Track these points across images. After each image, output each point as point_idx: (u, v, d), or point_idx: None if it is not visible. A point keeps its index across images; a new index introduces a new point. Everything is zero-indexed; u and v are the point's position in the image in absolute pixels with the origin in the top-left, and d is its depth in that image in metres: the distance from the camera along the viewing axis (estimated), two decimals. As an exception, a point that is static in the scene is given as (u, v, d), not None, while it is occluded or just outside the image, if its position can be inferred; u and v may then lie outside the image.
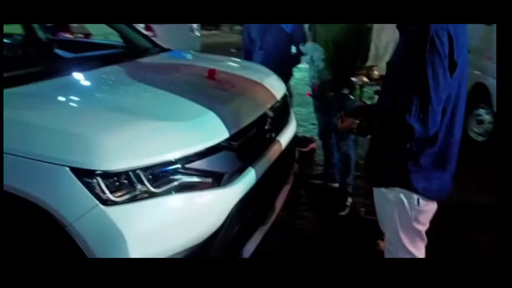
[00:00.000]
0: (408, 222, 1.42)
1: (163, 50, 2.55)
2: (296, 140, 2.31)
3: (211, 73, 1.88)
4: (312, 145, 3.81)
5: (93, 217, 1.20)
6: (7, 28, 2.78)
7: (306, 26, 2.75)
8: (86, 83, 1.74)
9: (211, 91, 1.75)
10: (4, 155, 1.21)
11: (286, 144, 2.02)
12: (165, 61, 2.25)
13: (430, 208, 1.42)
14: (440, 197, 1.42)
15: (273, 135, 1.88)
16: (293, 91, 3.58)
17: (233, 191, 1.49)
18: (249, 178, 1.59)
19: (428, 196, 1.38)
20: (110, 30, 2.64)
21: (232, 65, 2.22)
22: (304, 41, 2.68)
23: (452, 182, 1.44)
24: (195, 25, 7.93)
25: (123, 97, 1.64)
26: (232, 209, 1.48)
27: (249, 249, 1.66)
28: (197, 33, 8.01)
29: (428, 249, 1.48)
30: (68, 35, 4.30)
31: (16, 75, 1.73)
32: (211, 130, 1.47)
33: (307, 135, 3.99)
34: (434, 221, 1.47)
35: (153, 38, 6.72)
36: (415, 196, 1.37)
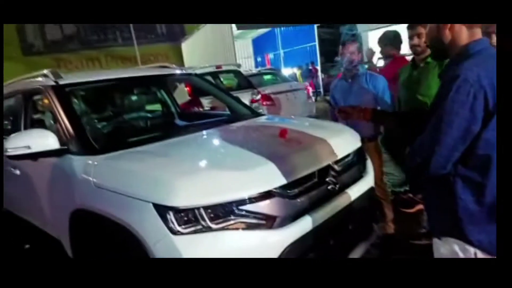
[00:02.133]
0: None
1: (257, 115, 2.98)
2: (372, 196, 2.32)
3: (283, 132, 2.16)
4: (419, 207, 3.56)
5: (165, 243, 1.55)
6: (154, 106, 3.70)
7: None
8: (183, 142, 2.24)
9: (277, 147, 2.01)
10: (111, 193, 1.72)
11: (355, 198, 2.08)
12: (251, 124, 2.66)
13: None
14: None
15: (337, 187, 1.99)
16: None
17: (284, 234, 1.66)
18: (303, 225, 1.73)
19: (487, 251, 1.27)
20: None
21: (308, 125, 2.47)
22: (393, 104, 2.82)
23: None
24: (311, 93, 8.54)
25: (204, 152, 2.06)
26: (284, 251, 1.64)
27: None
28: (313, 99, 8.58)
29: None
30: (198, 108, 5.30)
31: (142, 138, 2.39)
32: (267, 178, 1.71)
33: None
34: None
35: (272, 107, 7.52)
36: (472, 250, 1.29)
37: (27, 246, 3.47)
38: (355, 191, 2.10)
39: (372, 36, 22.62)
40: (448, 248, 1.35)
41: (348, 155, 2.17)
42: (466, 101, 1.18)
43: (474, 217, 1.27)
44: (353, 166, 2.21)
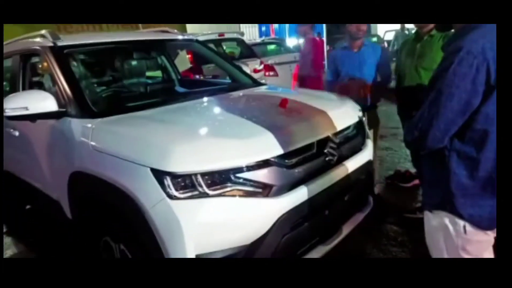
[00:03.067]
0: (455, 251, 1.34)
1: (259, 84, 2.94)
2: (370, 169, 2.33)
3: (283, 102, 2.14)
4: (416, 182, 3.60)
5: (162, 207, 1.57)
6: (155, 73, 3.66)
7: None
8: (182, 109, 2.22)
9: (277, 116, 2.00)
10: (109, 156, 1.72)
11: (353, 170, 2.09)
12: (252, 93, 2.63)
13: (481, 238, 1.31)
14: (493, 227, 1.30)
15: (335, 159, 1.99)
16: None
17: (280, 202, 1.68)
18: (299, 194, 1.75)
19: (477, 225, 1.29)
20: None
21: (309, 96, 2.43)
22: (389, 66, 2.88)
23: None
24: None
25: (202, 119, 2.05)
26: (278, 219, 1.66)
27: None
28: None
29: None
30: (198, 76, 5.24)
31: (140, 104, 2.37)
32: (264, 147, 1.71)
33: (412, 170, 3.80)
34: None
35: (275, 77, 7.42)
36: (461, 223, 1.30)
37: (28, 207, 3.54)
38: (353, 164, 2.10)
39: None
40: (439, 221, 1.37)
41: (347, 128, 2.16)
42: (468, 73, 1.15)
43: (467, 191, 1.28)
44: (352, 139, 2.20)
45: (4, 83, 3.48)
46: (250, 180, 1.65)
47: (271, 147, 1.72)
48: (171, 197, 1.57)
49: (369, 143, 2.39)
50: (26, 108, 2.05)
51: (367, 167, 2.27)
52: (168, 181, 1.57)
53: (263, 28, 20.90)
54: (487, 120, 1.19)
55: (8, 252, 2.98)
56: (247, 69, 3.30)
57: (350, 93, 1.79)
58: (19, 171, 2.95)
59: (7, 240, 3.19)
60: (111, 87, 2.82)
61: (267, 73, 7.22)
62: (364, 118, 2.43)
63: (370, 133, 2.46)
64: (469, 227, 1.30)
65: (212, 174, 1.60)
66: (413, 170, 3.74)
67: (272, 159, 1.70)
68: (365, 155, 2.26)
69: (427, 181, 1.45)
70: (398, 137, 4.77)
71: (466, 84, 1.16)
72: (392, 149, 4.60)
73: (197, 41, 3.38)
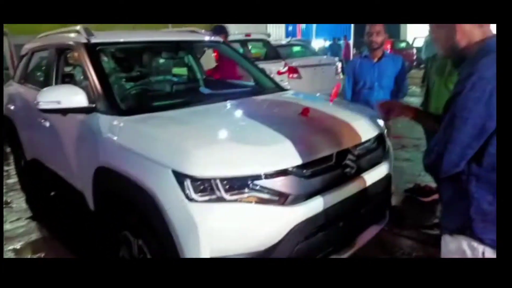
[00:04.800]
0: None
1: (282, 90, 2.97)
2: (388, 183, 2.31)
3: (305, 111, 2.15)
4: (435, 196, 3.54)
5: (180, 208, 1.62)
6: (179, 70, 3.75)
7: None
8: (206, 111, 2.27)
9: (298, 126, 2.02)
10: (134, 154, 1.79)
11: (372, 183, 2.08)
12: (274, 98, 2.65)
13: None
14: None
15: (354, 171, 1.99)
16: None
17: (296, 212, 1.70)
18: (315, 205, 1.77)
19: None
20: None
21: (332, 105, 2.44)
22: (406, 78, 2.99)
23: None
24: (340, 69, 8.33)
25: (224, 123, 2.09)
26: (293, 228, 1.69)
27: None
28: (341, 76, 8.37)
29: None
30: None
31: (166, 103, 2.44)
32: (283, 156, 1.73)
33: (432, 185, 3.74)
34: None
35: (298, 80, 7.40)
36: (480, 248, 1.29)
37: (52, 193, 3.70)
38: (372, 177, 2.10)
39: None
40: (457, 245, 1.35)
41: (368, 140, 2.16)
42: (481, 98, 1.15)
43: (487, 217, 1.26)
44: (372, 152, 2.19)
45: (38, 73, 3.65)
46: (267, 188, 1.68)
47: (290, 157, 1.74)
48: (190, 199, 1.62)
49: (390, 156, 2.38)
50: (59, 102, 2.15)
51: (386, 180, 2.26)
52: (188, 183, 1.62)
53: (290, 28, 20.84)
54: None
55: (33, 236, 3.13)
56: (272, 71, 3.32)
57: (392, 112, 1.69)
58: (46, 159, 3.09)
59: (32, 224, 3.34)
60: (139, 85, 2.90)
61: (290, 75, 7.22)
62: (385, 131, 2.42)
63: (391, 150, 2.44)
64: (488, 253, 1.29)
65: (230, 179, 1.64)
66: (433, 184, 3.68)
67: (290, 169, 1.72)
68: (384, 169, 2.25)
69: (446, 205, 1.44)
70: (420, 148, 4.69)
71: (479, 109, 1.16)
72: (413, 160, 4.53)
73: (223, 43, 3.43)
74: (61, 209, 3.51)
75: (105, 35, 2.77)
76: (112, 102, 2.21)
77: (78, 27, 2.65)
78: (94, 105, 2.21)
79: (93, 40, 2.54)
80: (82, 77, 2.95)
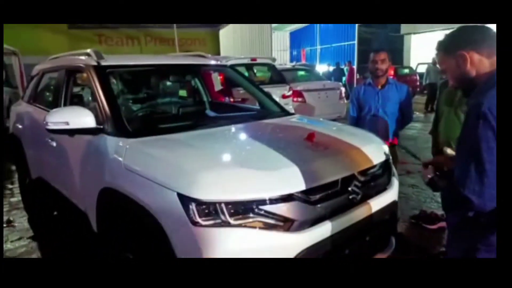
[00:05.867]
0: None
1: (287, 114, 2.99)
2: (394, 210, 2.29)
3: (310, 136, 2.16)
4: (441, 224, 3.49)
5: (184, 232, 1.61)
6: (182, 92, 3.82)
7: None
8: (213, 135, 2.29)
9: (303, 151, 2.02)
10: (139, 176, 1.80)
11: (376, 210, 2.07)
12: (280, 123, 2.67)
13: None
14: None
15: (359, 198, 1.98)
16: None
17: (300, 238, 1.68)
18: (320, 231, 1.75)
19: None
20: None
21: (337, 130, 2.45)
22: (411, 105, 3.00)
23: None
24: (343, 93, 8.41)
25: (231, 147, 2.11)
26: (298, 254, 1.66)
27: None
28: (346, 100, 8.45)
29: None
30: (229, 99, 5.37)
31: (173, 126, 2.47)
32: (288, 181, 1.73)
33: (439, 212, 3.69)
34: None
35: (302, 104, 7.47)
36: None
37: (55, 213, 3.68)
38: (377, 203, 2.08)
39: (415, 39, 21.80)
40: None
41: (374, 166, 2.15)
42: (492, 127, 1.17)
43: (492, 247, 1.26)
44: (377, 178, 2.18)
45: (47, 93, 3.72)
46: (272, 213, 1.67)
47: (295, 182, 1.74)
48: (194, 223, 1.61)
49: (395, 183, 2.36)
50: (67, 123, 2.18)
51: (391, 207, 2.24)
52: (193, 207, 1.61)
53: (295, 53, 21.21)
54: None
55: (33, 256, 3.09)
56: (277, 95, 3.36)
57: (443, 166, 1.64)
58: (51, 178, 3.10)
59: (33, 244, 3.31)
60: (147, 108, 2.95)
61: (295, 99, 7.30)
62: (390, 157, 2.42)
63: (396, 176, 2.43)
64: None
65: (236, 204, 1.63)
66: (439, 211, 3.64)
67: (296, 194, 1.72)
68: (390, 195, 2.23)
69: (452, 232, 1.44)
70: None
71: (492, 137, 1.17)
72: (419, 186, 4.50)
73: (230, 67, 3.49)
74: (63, 229, 3.49)
75: (115, 58, 2.84)
76: (120, 124, 2.24)
77: (89, 50, 2.72)
78: (101, 127, 2.23)
79: (103, 63, 2.60)
80: (90, 98, 3.00)
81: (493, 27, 1.27)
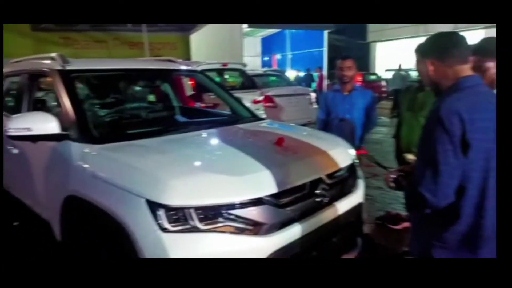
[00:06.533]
0: None
1: (257, 119, 3.03)
2: (360, 212, 2.37)
3: (280, 140, 2.21)
4: (405, 224, 3.63)
5: (153, 238, 1.59)
6: (152, 98, 3.76)
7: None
8: (182, 140, 2.28)
9: (273, 155, 2.06)
10: (106, 183, 1.76)
11: (343, 212, 2.13)
12: (250, 128, 2.70)
13: None
14: None
15: (327, 200, 2.03)
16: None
17: (269, 241, 1.71)
18: (288, 234, 1.78)
19: None
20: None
21: (306, 135, 2.52)
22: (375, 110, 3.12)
23: None
24: (313, 99, 8.58)
25: (201, 152, 2.11)
26: (267, 257, 1.69)
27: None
28: (316, 106, 8.61)
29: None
30: (200, 104, 5.34)
31: (141, 132, 2.44)
32: (257, 185, 1.75)
33: (403, 213, 3.84)
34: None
35: (273, 109, 7.54)
36: None
37: (15, 223, 3.51)
38: (344, 205, 2.15)
39: (381, 47, 22.58)
40: None
41: (341, 169, 2.22)
42: (449, 130, 1.25)
43: (446, 244, 1.36)
44: (344, 181, 2.25)
45: (8, 98, 3.56)
46: (242, 217, 1.69)
47: (264, 186, 1.77)
48: (163, 229, 1.60)
49: (361, 185, 2.44)
50: (29, 129, 2.10)
51: (358, 209, 2.31)
52: (161, 213, 1.60)
53: (266, 58, 21.40)
54: (464, 177, 1.28)
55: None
56: (248, 100, 3.39)
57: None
58: (13, 187, 2.97)
59: (-8, 256, 3.14)
60: (114, 113, 2.89)
61: (266, 104, 7.36)
62: (356, 160, 2.50)
63: (362, 178, 2.52)
64: None
65: (205, 209, 1.64)
66: (403, 212, 3.78)
67: (265, 198, 1.75)
68: (356, 198, 2.30)
69: (413, 230, 1.52)
70: (391, 178, 4.82)
71: (447, 140, 1.25)
72: (384, 189, 4.64)
73: (200, 72, 3.49)
74: (24, 240, 3.33)
75: (81, 62, 2.78)
76: (85, 129, 2.19)
77: (54, 54, 2.65)
78: (66, 133, 2.17)
79: (68, 67, 2.54)
80: (54, 103, 2.91)
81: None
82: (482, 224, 1.31)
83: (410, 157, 1.78)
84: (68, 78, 2.48)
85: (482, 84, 1.36)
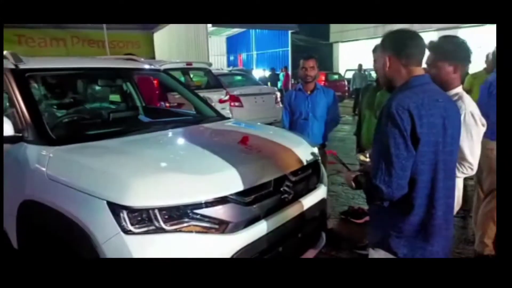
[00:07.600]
0: None
1: (222, 118, 3.03)
2: (323, 207, 2.44)
3: (244, 139, 2.22)
4: (367, 218, 3.77)
5: (115, 241, 1.56)
6: (114, 97, 3.66)
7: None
8: (145, 140, 2.24)
9: (237, 154, 2.07)
10: (65, 186, 1.70)
11: (308, 207, 2.18)
12: (215, 127, 2.70)
13: None
14: None
15: (291, 197, 2.08)
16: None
17: (236, 239, 1.72)
18: (254, 231, 1.80)
19: None
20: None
21: (270, 134, 2.55)
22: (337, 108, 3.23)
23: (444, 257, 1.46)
24: (279, 98, 8.69)
25: (163, 152, 2.08)
26: (233, 256, 1.70)
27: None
28: (281, 105, 8.72)
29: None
30: (165, 104, 5.26)
31: (102, 132, 2.37)
32: (222, 184, 1.76)
33: (365, 207, 3.99)
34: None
35: (239, 108, 7.56)
36: None
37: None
38: (307, 202, 2.20)
39: (342, 47, 23.21)
40: (377, 257, 1.51)
41: (304, 167, 2.27)
42: (398, 125, 1.32)
43: (402, 234, 1.44)
44: (308, 178, 2.31)
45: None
46: (207, 216, 1.69)
47: (229, 184, 1.78)
48: (126, 231, 1.56)
49: (324, 181, 2.52)
50: (-21, 131, 1.98)
51: (321, 205, 2.38)
52: (124, 215, 1.57)
53: (232, 58, 21.38)
54: (415, 169, 1.36)
55: None
56: (214, 100, 3.38)
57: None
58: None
59: None
60: (73, 113, 2.78)
61: (232, 104, 7.36)
62: (319, 158, 2.57)
63: (325, 175, 2.59)
64: None
65: (169, 209, 1.63)
66: (366, 206, 3.93)
67: (230, 196, 1.76)
68: (320, 194, 2.37)
69: (371, 222, 1.59)
70: (354, 174, 4.98)
71: (396, 135, 1.33)
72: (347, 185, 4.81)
73: (164, 71, 3.44)
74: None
75: (36, 61, 2.65)
76: (41, 131, 2.09)
77: (5, 52, 2.50)
78: (20, 135, 2.07)
79: (22, 66, 2.41)
80: (8, 104, 2.75)
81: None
82: (433, 214, 1.40)
83: (362, 157, 1.87)
84: (22, 77, 2.35)
85: (430, 82, 1.45)
